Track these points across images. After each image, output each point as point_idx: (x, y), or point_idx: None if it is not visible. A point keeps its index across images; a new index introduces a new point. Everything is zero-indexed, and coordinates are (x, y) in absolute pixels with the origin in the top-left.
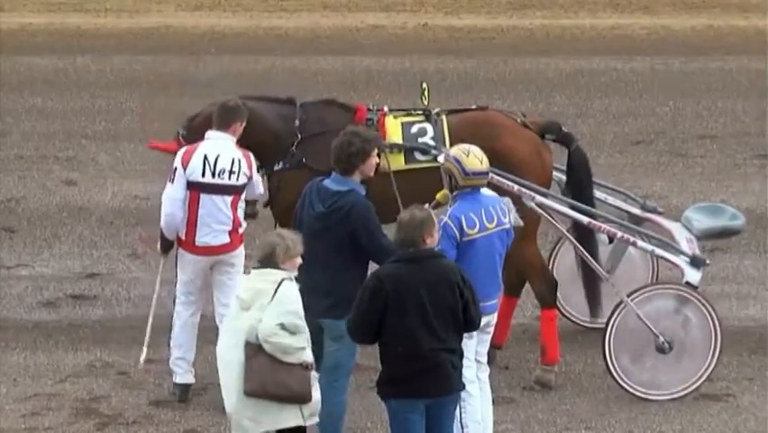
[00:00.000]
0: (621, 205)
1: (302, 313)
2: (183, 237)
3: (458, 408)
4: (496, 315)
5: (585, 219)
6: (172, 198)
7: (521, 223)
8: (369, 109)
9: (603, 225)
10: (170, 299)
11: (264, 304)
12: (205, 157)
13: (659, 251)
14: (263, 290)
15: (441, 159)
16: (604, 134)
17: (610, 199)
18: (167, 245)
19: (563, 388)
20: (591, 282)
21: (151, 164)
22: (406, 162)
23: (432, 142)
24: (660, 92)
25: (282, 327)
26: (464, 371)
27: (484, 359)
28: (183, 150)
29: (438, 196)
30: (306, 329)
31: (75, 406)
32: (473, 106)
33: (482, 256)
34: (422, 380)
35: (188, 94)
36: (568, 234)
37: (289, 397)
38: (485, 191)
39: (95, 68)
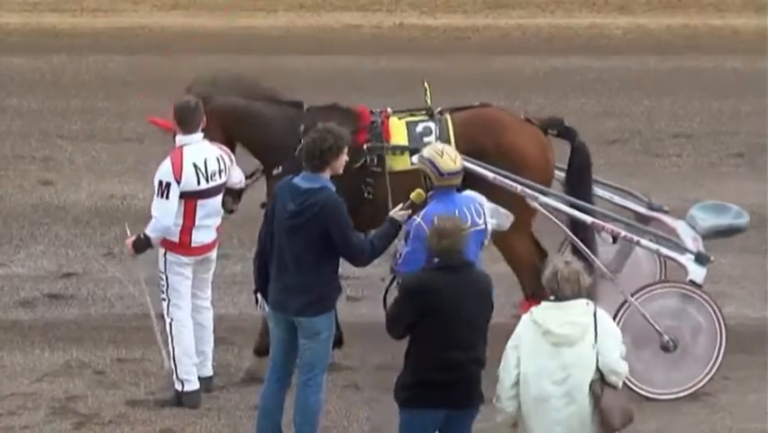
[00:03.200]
0: (627, 204)
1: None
2: (176, 241)
3: None
4: None
5: (588, 219)
6: (168, 211)
7: (506, 227)
8: (371, 112)
9: (607, 225)
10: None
11: (592, 338)
12: (195, 165)
13: (664, 250)
14: (588, 324)
15: (415, 160)
16: (579, 133)
17: (616, 198)
18: (144, 248)
19: None
20: None
21: (127, 164)
22: (411, 164)
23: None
24: (635, 91)
25: (620, 355)
26: None
27: None
28: (168, 163)
29: (412, 196)
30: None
31: (51, 405)
32: (476, 104)
33: None
34: (448, 391)
35: (164, 94)
36: (571, 234)
37: (629, 421)
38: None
39: (70, 67)
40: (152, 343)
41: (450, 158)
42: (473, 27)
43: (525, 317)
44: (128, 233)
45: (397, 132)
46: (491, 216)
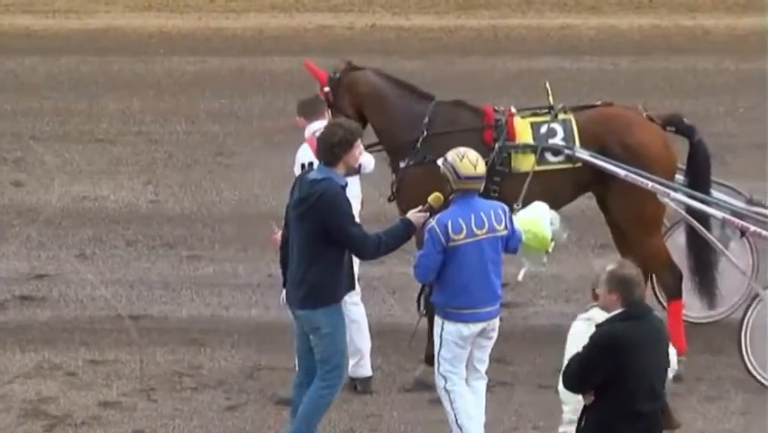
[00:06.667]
0: (726, 199)
1: None
2: None
3: (451, 411)
4: (496, 321)
5: (720, 214)
6: None
7: (561, 239)
8: (495, 110)
9: (738, 221)
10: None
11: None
12: None
13: None
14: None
15: (440, 162)
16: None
17: (715, 193)
18: None
19: (511, 387)
20: (705, 275)
21: (99, 165)
22: (537, 164)
23: (562, 143)
24: (607, 92)
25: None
26: (450, 376)
27: (482, 366)
28: (306, 146)
29: (430, 199)
30: None
31: (23, 407)
32: (598, 103)
33: (471, 262)
34: None
35: (137, 95)
36: (705, 231)
37: None
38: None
39: (43, 69)
40: (125, 344)
41: (470, 162)
42: (445, 28)
43: (580, 323)
44: (274, 228)
45: (523, 131)
46: (552, 222)
